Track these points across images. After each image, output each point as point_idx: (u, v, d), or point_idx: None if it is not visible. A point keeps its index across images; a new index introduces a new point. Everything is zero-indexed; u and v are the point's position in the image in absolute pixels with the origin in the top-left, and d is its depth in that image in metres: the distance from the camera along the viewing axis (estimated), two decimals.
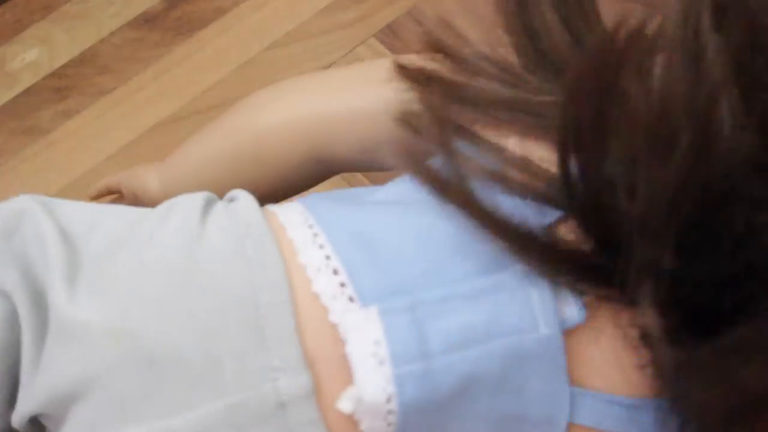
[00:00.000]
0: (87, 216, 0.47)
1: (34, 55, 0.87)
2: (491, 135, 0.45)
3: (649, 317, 0.39)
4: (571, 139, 0.40)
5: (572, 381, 0.42)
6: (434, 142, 0.45)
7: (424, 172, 0.41)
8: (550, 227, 0.41)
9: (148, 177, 0.60)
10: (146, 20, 0.88)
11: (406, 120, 0.47)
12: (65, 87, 0.86)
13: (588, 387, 0.42)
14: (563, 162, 0.40)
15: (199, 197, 0.47)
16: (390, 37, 0.86)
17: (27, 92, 0.85)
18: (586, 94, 0.39)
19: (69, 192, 0.82)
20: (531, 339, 0.41)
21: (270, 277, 0.42)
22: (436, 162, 0.41)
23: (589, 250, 0.41)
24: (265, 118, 0.56)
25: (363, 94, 0.53)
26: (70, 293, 0.43)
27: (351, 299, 0.42)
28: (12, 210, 0.46)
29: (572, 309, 0.41)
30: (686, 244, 0.38)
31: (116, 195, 0.66)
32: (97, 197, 0.66)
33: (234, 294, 0.42)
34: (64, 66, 0.86)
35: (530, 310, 0.41)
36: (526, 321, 0.41)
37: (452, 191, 0.41)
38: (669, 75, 0.38)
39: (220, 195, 0.52)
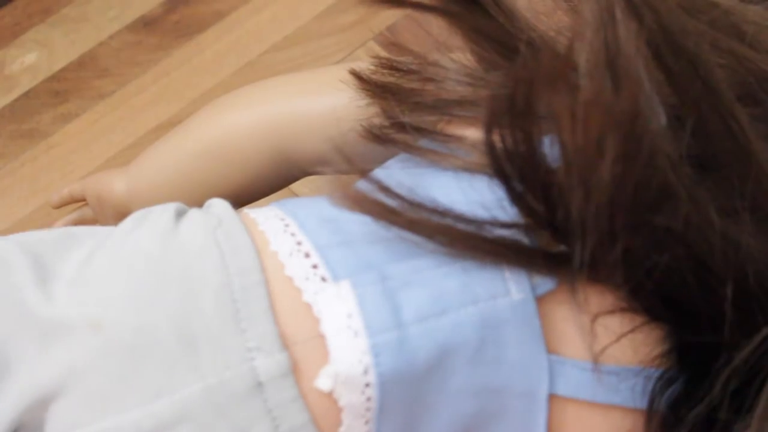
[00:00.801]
0: (58, 234, 0.48)
1: (33, 58, 0.87)
2: (454, 130, 0.46)
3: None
4: (495, 143, 0.41)
5: (551, 349, 0.42)
6: (399, 148, 0.47)
7: (364, 205, 0.42)
8: (502, 223, 0.42)
9: (113, 178, 0.60)
10: (145, 24, 0.88)
11: (368, 129, 0.48)
12: (64, 90, 0.85)
13: (567, 355, 0.42)
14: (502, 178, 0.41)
15: (171, 205, 0.48)
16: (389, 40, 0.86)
17: (26, 96, 0.85)
18: (510, 104, 0.40)
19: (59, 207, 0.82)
20: (504, 304, 0.42)
21: (242, 261, 0.43)
22: (365, 187, 0.42)
23: (538, 237, 0.42)
24: (232, 116, 0.56)
25: (332, 96, 0.53)
26: (46, 295, 0.44)
27: (324, 279, 0.42)
28: None
29: (543, 276, 0.42)
30: (629, 240, 0.39)
31: (81, 203, 0.65)
32: (60, 206, 0.66)
33: (207, 279, 0.43)
34: (63, 69, 0.86)
35: (501, 276, 0.42)
36: (497, 287, 0.42)
37: (395, 216, 0.42)
38: (590, 84, 0.38)
39: (187, 193, 0.53)
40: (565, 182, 0.39)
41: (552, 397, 0.42)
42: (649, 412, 0.42)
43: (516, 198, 0.41)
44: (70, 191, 0.64)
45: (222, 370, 0.41)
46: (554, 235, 0.41)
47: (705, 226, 0.40)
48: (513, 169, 0.41)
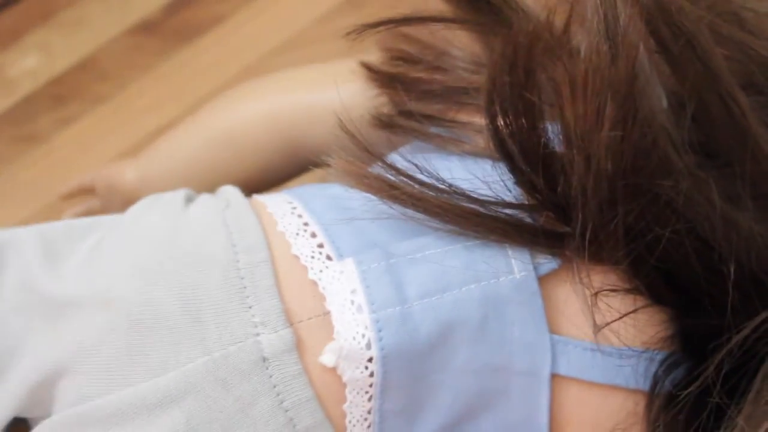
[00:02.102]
0: (70, 222, 0.48)
1: (33, 62, 0.87)
2: (462, 118, 0.47)
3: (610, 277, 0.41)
4: (498, 113, 0.41)
5: (552, 329, 0.42)
6: (406, 134, 0.48)
7: (367, 182, 0.43)
8: (506, 203, 0.42)
9: (123, 168, 0.61)
10: (145, 27, 0.88)
11: (376, 117, 0.49)
12: (64, 94, 0.85)
13: (569, 335, 0.42)
14: (494, 132, 0.41)
15: (181, 191, 0.49)
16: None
17: (26, 99, 0.85)
18: (510, 73, 0.41)
19: (68, 199, 0.81)
20: (506, 283, 0.42)
21: (249, 240, 0.44)
22: (376, 167, 0.43)
23: (541, 217, 0.42)
24: (244, 107, 0.57)
25: (343, 87, 0.54)
26: (56, 274, 0.44)
27: (329, 257, 0.43)
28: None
29: (546, 255, 0.42)
30: (629, 207, 0.39)
31: (90, 195, 0.66)
32: (69, 197, 0.66)
33: (214, 256, 0.43)
34: (63, 73, 0.86)
35: (504, 255, 0.42)
36: (500, 265, 0.42)
37: (399, 191, 0.42)
38: (590, 51, 0.39)
39: (197, 183, 0.54)
40: (565, 153, 0.40)
41: (554, 377, 0.42)
42: (652, 395, 0.42)
43: (517, 173, 0.41)
44: (80, 182, 0.65)
45: (227, 345, 0.42)
46: (557, 215, 0.42)
47: (706, 206, 0.40)
48: (514, 143, 0.41)
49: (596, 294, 0.41)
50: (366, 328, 0.41)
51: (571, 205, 0.40)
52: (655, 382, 0.41)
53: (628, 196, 0.39)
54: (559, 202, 0.41)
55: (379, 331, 0.41)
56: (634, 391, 0.42)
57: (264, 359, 0.42)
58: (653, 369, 0.42)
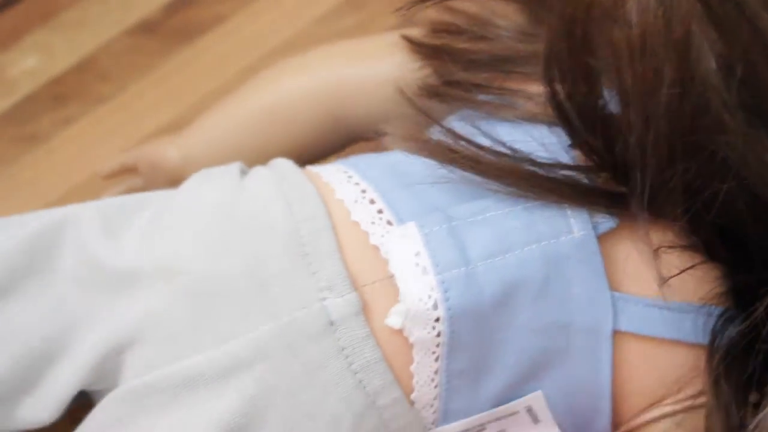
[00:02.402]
0: (126, 198, 0.48)
1: (33, 62, 0.86)
2: (510, 85, 0.48)
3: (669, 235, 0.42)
4: (556, 77, 0.42)
5: (613, 286, 0.43)
6: (456, 103, 0.49)
7: (427, 148, 0.43)
8: (564, 165, 0.43)
9: (164, 147, 0.61)
10: (145, 27, 0.88)
11: (423, 87, 0.50)
12: (64, 94, 0.85)
13: (629, 292, 0.43)
14: (553, 96, 0.42)
15: (234, 165, 0.49)
16: None
17: (26, 99, 0.85)
18: (568, 38, 0.42)
19: (69, 199, 0.80)
20: (566, 242, 0.43)
21: (309, 209, 0.44)
22: (435, 133, 0.44)
23: (599, 178, 0.43)
24: (289, 81, 0.58)
25: (388, 61, 0.55)
26: (117, 248, 0.44)
27: (389, 223, 0.44)
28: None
29: (604, 215, 0.43)
30: (687, 166, 0.40)
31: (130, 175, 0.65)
32: (110, 177, 0.66)
33: (275, 225, 0.44)
34: (64, 73, 0.86)
35: (563, 215, 0.43)
36: (560, 225, 0.43)
37: (459, 155, 0.43)
38: (645, 15, 0.40)
39: (243, 158, 0.54)
40: (623, 114, 0.41)
41: (616, 334, 0.43)
42: (711, 348, 0.43)
43: (575, 136, 0.42)
44: (121, 162, 0.65)
45: (294, 310, 0.42)
46: (614, 176, 0.43)
47: (759, 163, 0.41)
48: (572, 106, 0.42)
49: (657, 250, 0.42)
50: (432, 289, 0.42)
51: (629, 165, 0.41)
52: (714, 336, 0.43)
53: (686, 154, 0.40)
54: (616, 162, 0.42)
55: (446, 291, 0.42)
56: (695, 346, 0.43)
57: (331, 323, 0.42)
58: (711, 324, 0.43)
